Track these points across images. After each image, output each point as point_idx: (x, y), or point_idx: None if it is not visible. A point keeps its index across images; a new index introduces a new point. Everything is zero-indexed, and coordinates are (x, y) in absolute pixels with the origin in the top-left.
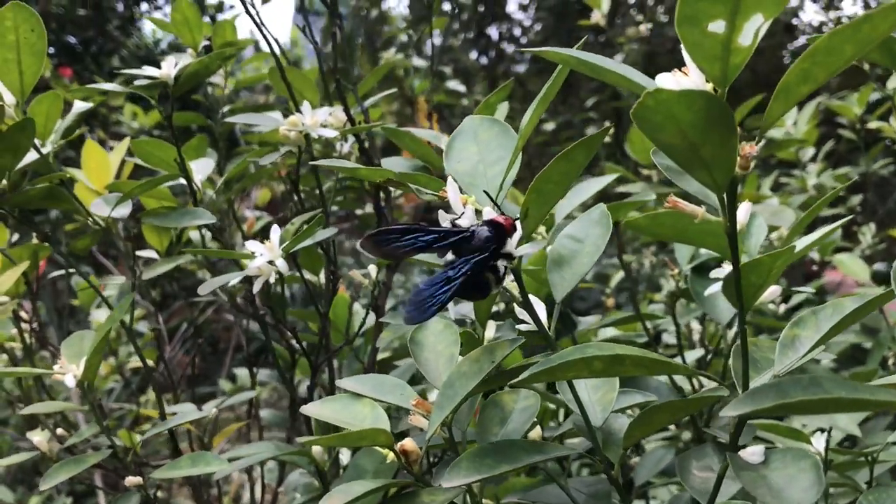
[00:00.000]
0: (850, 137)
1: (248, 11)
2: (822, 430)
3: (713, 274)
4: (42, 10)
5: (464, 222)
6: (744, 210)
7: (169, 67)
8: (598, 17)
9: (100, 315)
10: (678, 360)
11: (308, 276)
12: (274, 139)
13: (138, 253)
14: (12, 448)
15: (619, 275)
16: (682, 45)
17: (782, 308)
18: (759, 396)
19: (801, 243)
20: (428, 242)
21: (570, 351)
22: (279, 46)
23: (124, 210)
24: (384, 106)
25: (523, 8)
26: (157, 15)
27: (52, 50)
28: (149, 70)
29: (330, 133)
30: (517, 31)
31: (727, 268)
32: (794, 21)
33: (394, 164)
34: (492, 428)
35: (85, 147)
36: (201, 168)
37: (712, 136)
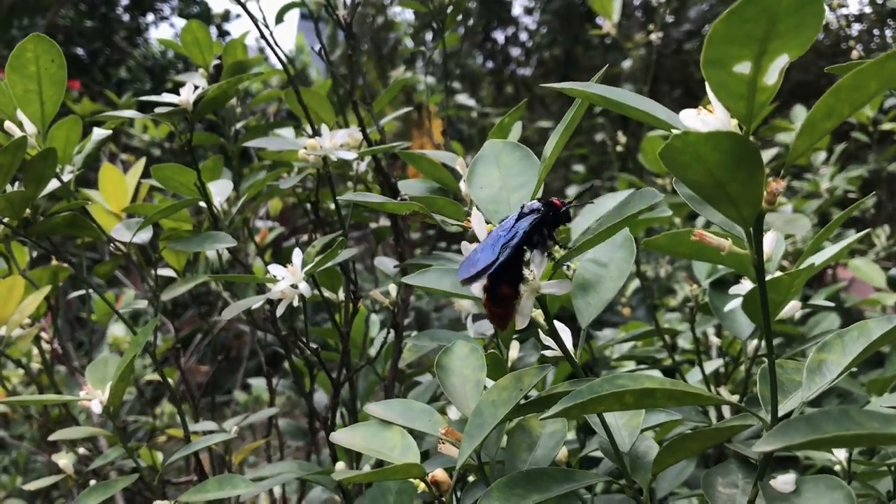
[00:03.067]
0: (861, 139)
1: (261, 34)
2: None
3: (733, 290)
4: (49, 23)
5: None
6: (770, 240)
7: (188, 94)
8: (608, 26)
9: (117, 330)
10: (697, 377)
11: (327, 293)
12: (290, 158)
13: (160, 272)
14: (29, 461)
15: (635, 282)
16: (706, 84)
17: (798, 313)
18: (791, 431)
19: (818, 258)
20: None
21: (601, 384)
22: (291, 63)
23: (145, 235)
24: (389, 110)
25: (528, 11)
26: (164, 25)
27: None
28: (168, 97)
29: (349, 155)
30: (523, 36)
31: (746, 284)
32: None
33: (410, 187)
34: (520, 454)
35: (102, 170)
36: (220, 190)
37: (739, 175)
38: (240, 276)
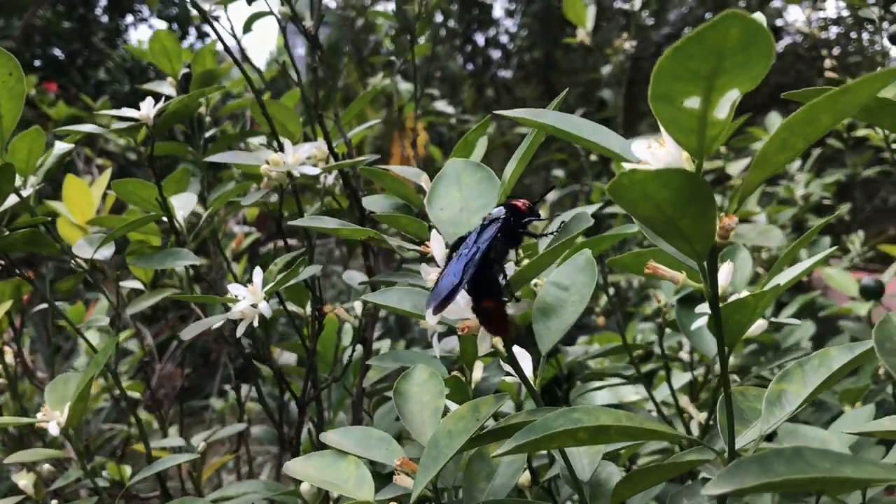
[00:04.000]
0: (836, 146)
1: (226, 48)
2: None
3: (698, 309)
4: (26, 24)
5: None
6: (725, 273)
7: (148, 108)
8: (582, 34)
9: (92, 337)
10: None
11: (294, 308)
12: (257, 171)
13: (123, 283)
14: (2, 471)
15: (611, 290)
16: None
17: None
18: (742, 473)
19: (786, 275)
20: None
21: (555, 418)
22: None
23: (107, 252)
24: (372, 114)
25: (510, 14)
26: (143, 27)
27: (37, 63)
28: (128, 111)
29: (312, 171)
30: (504, 38)
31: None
32: (779, 22)
33: (375, 204)
34: (479, 483)
35: (66, 181)
36: (183, 203)
37: (690, 211)
38: (202, 297)
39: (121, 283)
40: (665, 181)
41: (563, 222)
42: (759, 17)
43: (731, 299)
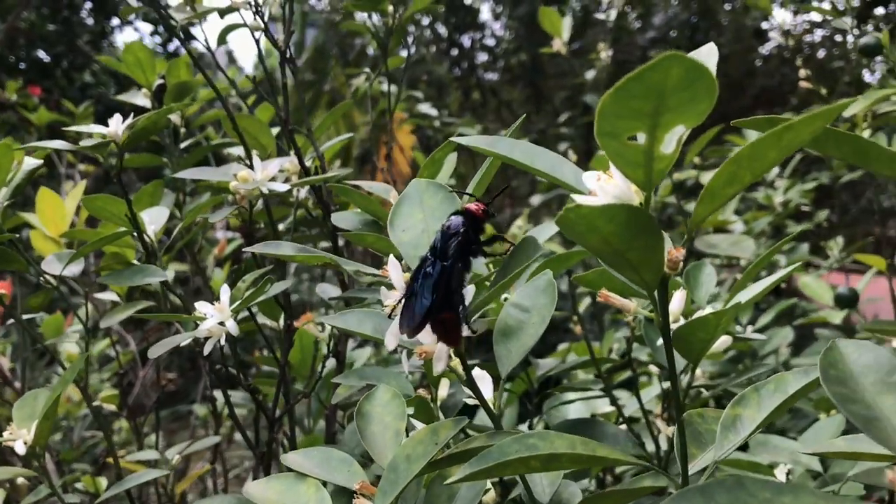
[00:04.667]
0: (814, 153)
1: (196, 63)
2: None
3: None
4: (10, 27)
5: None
6: (677, 301)
7: (116, 125)
8: (558, 45)
9: (71, 346)
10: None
11: (266, 321)
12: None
13: (98, 296)
14: None
15: (587, 299)
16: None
17: (749, 329)
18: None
19: (749, 292)
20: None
21: (511, 444)
22: (234, 86)
23: (76, 268)
24: (359, 117)
25: (496, 16)
26: (128, 29)
27: (22, 66)
28: (95, 128)
29: (281, 187)
30: (490, 42)
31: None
32: (764, 25)
33: (344, 220)
34: None
35: (39, 194)
36: (154, 218)
37: (637, 243)
38: (170, 315)
39: (97, 296)
40: (610, 216)
41: (511, 246)
42: (707, 53)
43: (695, 316)
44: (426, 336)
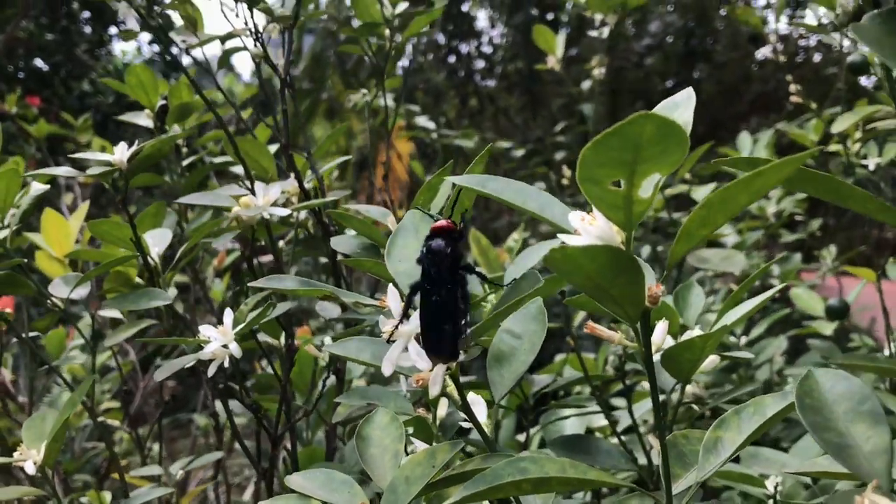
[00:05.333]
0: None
1: (197, 91)
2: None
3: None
4: (9, 37)
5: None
6: (660, 331)
7: (121, 153)
8: (552, 62)
9: (73, 354)
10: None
11: (267, 339)
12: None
13: (103, 313)
14: None
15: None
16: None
17: (743, 340)
18: None
19: (733, 314)
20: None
21: (504, 466)
22: (236, 110)
23: (83, 291)
24: (357, 125)
25: (493, 23)
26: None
27: (20, 75)
28: (101, 156)
29: (282, 212)
30: (487, 49)
31: (668, 340)
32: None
33: (342, 244)
34: None
35: (44, 215)
36: (158, 240)
37: (619, 280)
38: (175, 339)
39: (100, 313)
40: (593, 256)
41: (513, 280)
42: (684, 99)
43: (683, 336)
44: (422, 362)
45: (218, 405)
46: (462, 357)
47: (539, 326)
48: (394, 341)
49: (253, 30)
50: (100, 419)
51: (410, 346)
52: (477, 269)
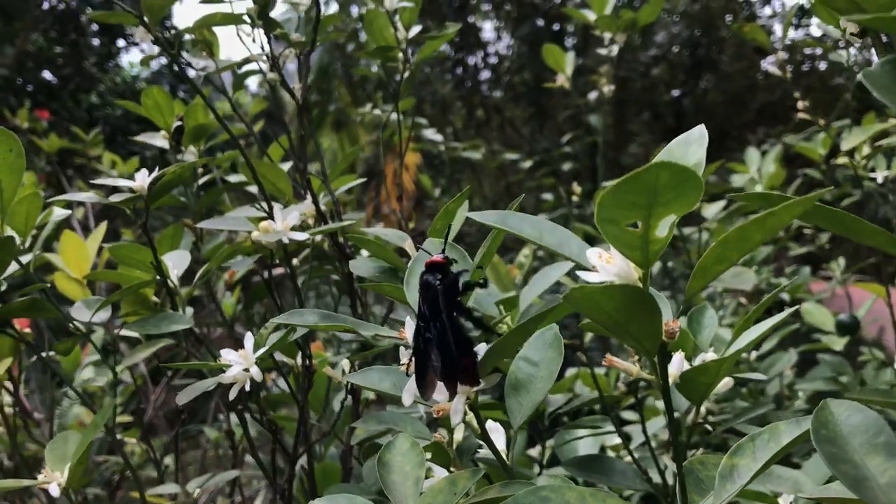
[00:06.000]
0: (815, 176)
1: (217, 117)
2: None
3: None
4: (19, 50)
5: None
6: (677, 363)
7: (142, 179)
8: (562, 80)
9: (86, 372)
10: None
11: (283, 358)
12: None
13: (120, 332)
14: None
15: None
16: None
17: (753, 354)
18: None
19: (745, 338)
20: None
21: (525, 496)
22: (251, 130)
23: (105, 315)
24: (364, 136)
25: (498, 33)
26: (134, 50)
27: (29, 88)
28: (123, 182)
29: (301, 236)
30: (494, 59)
31: (684, 363)
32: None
33: (360, 267)
34: None
35: (63, 237)
36: (177, 262)
37: (636, 317)
38: (195, 364)
39: (118, 332)
40: (611, 294)
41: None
42: (697, 137)
43: (697, 359)
44: (440, 394)
45: (232, 419)
46: (482, 385)
47: (556, 354)
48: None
49: (270, 55)
50: (118, 436)
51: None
52: (475, 313)
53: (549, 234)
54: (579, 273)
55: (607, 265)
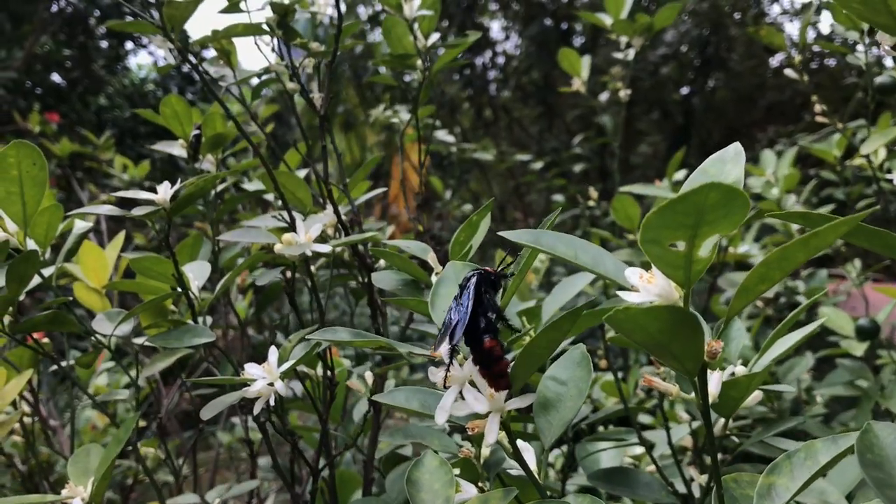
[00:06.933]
0: (830, 178)
1: (237, 125)
2: None
3: None
4: (28, 53)
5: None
6: (715, 382)
7: (165, 192)
8: (578, 84)
9: (100, 379)
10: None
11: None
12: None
13: (137, 341)
14: None
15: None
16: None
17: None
18: None
19: (774, 351)
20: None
21: None
22: (268, 138)
23: (126, 328)
24: (371, 137)
25: (506, 32)
26: (143, 53)
27: (38, 91)
28: (145, 195)
29: (324, 248)
30: (501, 59)
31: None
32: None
33: (382, 279)
34: None
35: (82, 248)
36: (197, 273)
37: (679, 337)
38: (219, 379)
39: (136, 342)
40: (656, 315)
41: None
42: (733, 154)
43: (727, 371)
44: (479, 405)
45: (249, 424)
46: (517, 403)
47: (584, 373)
48: (447, 387)
49: (290, 65)
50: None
51: (466, 392)
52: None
53: (583, 253)
54: (619, 293)
55: (648, 285)
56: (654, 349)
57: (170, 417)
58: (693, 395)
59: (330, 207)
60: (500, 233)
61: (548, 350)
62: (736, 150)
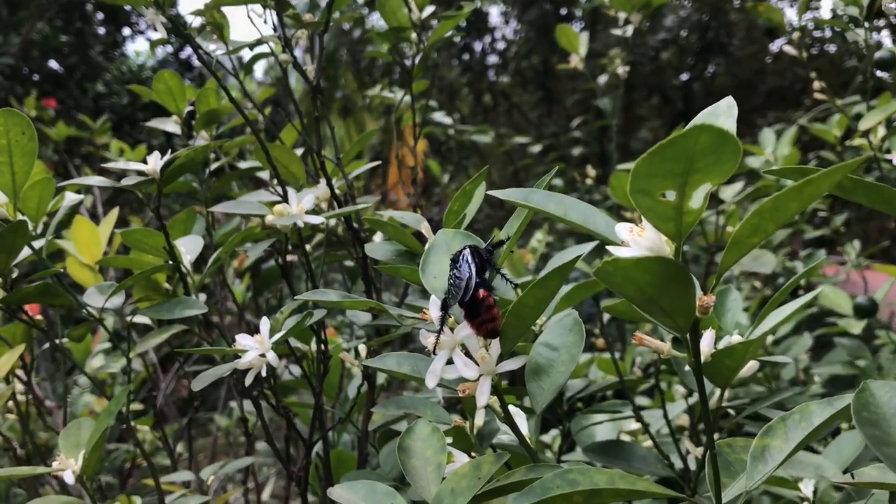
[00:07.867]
0: (830, 158)
1: (229, 97)
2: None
3: None
4: (24, 39)
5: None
6: (707, 341)
7: (155, 162)
8: (576, 60)
9: (96, 361)
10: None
11: (297, 344)
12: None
13: (133, 319)
14: (10, 496)
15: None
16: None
17: (770, 339)
18: None
19: (770, 322)
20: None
21: (553, 479)
22: (263, 115)
23: (118, 300)
24: (371, 123)
25: (506, 19)
26: (140, 39)
27: (35, 77)
28: (135, 165)
29: (316, 220)
30: (501, 45)
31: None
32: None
33: (376, 250)
34: None
35: (75, 222)
36: (190, 247)
37: (670, 291)
38: (210, 350)
39: (131, 318)
40: (646, 267)
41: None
42: (726, 108)
43: (722, 342)
44: (469, 371)
45: (247, 405)
46: (509, 365)
47: (576, 338)
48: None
49: (282, 36)
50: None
51: (455, 357)
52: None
53: (573, 210)
54: (609, 248)
55: (639, 239)
56: (644, 304)
57: (168, 403)
58: (685, 354)
59: (323, 181)
60: (489, 192)
61: (536, 309)
62: (728, 103)
